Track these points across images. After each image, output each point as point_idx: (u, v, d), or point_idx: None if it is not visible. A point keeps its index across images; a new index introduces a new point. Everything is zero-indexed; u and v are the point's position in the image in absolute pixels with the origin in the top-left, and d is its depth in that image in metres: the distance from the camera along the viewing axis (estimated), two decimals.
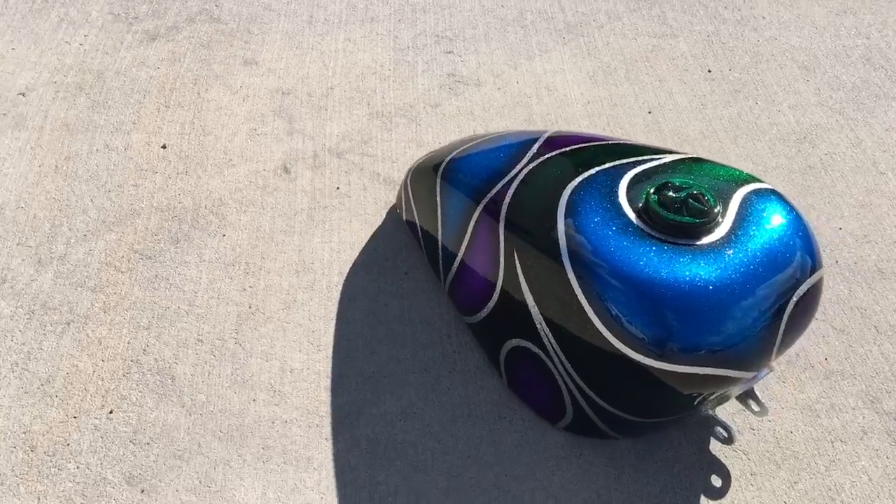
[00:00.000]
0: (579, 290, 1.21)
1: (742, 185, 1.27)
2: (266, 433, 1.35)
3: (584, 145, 1.44)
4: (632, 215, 1.22)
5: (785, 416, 1.41)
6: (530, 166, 1.39)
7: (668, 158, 1.34)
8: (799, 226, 1.23)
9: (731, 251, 1.18)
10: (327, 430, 1.36)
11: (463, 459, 1.32)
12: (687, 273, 1.16)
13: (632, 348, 1.16)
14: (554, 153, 1.41)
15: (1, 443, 1.33)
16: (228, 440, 1.34)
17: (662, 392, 1.21)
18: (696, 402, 1.25)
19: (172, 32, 2.15)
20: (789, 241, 1.21)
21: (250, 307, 1.53)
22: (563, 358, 1.29)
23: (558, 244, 1.22)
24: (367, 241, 1.65)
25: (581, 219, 1.25)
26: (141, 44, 2.11)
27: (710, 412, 1.31)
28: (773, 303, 1.17)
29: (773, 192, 1.27)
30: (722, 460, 1.34)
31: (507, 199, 1.35)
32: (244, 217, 1.68)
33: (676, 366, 1.16)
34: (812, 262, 1.23)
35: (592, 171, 1.31)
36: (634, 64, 2.11)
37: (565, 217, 1.25)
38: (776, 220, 1.24)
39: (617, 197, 1.26)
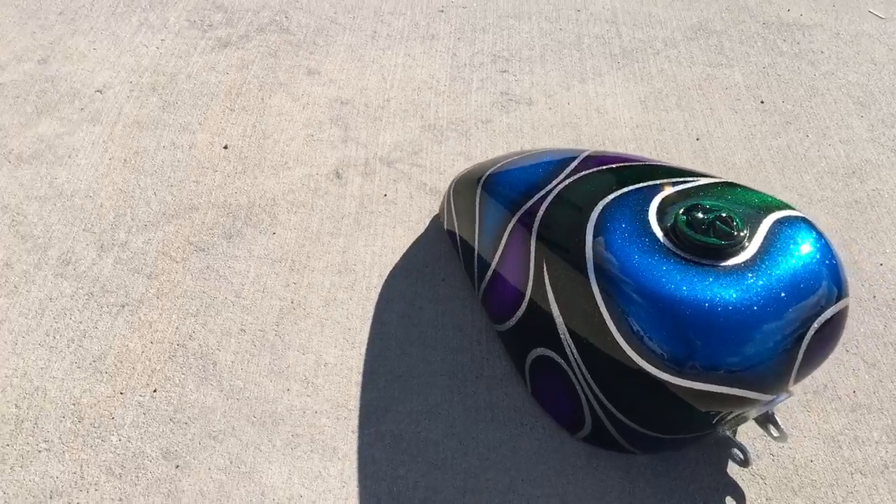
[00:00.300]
0: (602, 304, 1.24)
1: (773, 211, 1.29)
2: (296, 421, 1.42)
3: (620, 165, 1.47)
4: (660, 234, 1.25)
5: (806, 444, 1.41)
6: (566, 182, 1.43)
7: (702, 182, 1.36)
8: (826, 254, 1.25)
9: (755, 274, 1.20)
10: (354, 423, 1.41)
11: (482, 461, 1.37)
12: (709, 293, 1.19)
13: (650, 363, 1.19)
14: (590, 171, 1.46)
15: (52, 411, 1.42)
16: (261, 425, 1.41)
17: (679, 409, 1.23)
18: (713, 422, 1.27)
19: (243, 41, 2.26)
20: (815, 269, 1.23)
21: (292, 302, 1.60)
22: (584, 369, 1.33)
23: (585, 258, 1.26)
24: (408, 247, 1.71)
25: (609, 235, 1.28)
26: (213, 50, 2.22)
27: (728, 433, 1.33)
28: (794, 328, 1.19)
29: (803, 219, 1.29)
30: (738, 483, 1.36)
31: (541, 213, 1.40)
32: (294, 217, 1.77)
33: (693, 383, 1.18)
34: (837, 290, 1.24)
35: (625, 190, 1.35)
36: (686, 91, 2.13)
37: (594, 232, 1.29)
38: (803, 247, 1.25)
39: (647, 216, 1.29)
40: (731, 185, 1.37)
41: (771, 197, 1.34)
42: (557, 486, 1.34)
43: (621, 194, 1.35)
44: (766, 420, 1.35)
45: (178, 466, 1.35)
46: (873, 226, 1.78)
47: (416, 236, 1.73)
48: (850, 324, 1.58)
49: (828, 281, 1.23)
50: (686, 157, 1.93)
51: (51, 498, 1.31)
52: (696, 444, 1.40)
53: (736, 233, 1.22)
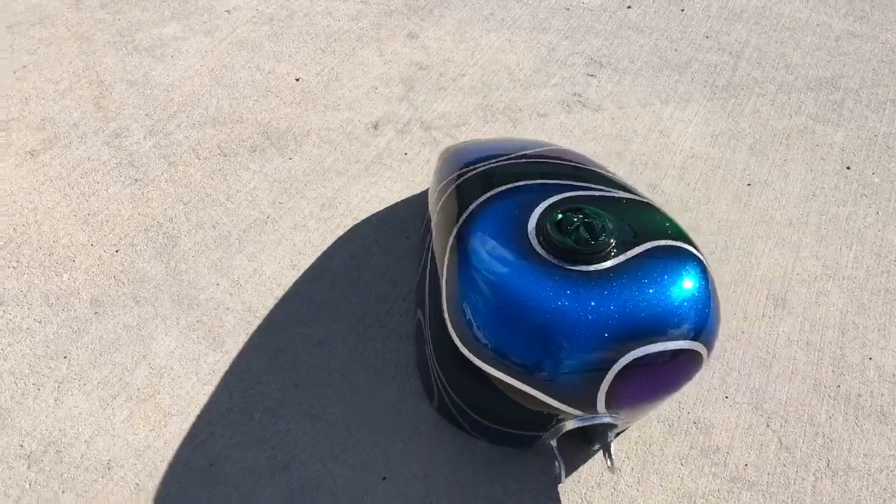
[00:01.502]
0: (445, 273, 1.25)
1: (664, 238, 1.22)
2: (207, 311, 1.56)
3: (563, 162, 1.45)
4: (531, 227, 1.23)
5: (658, 493, 1.31)
6: (498, 163, 1.44)
7: (621, 195, 1.31)
8: (694, 293, 1.16)
9: (597, 285, 1.15)
10: (251, 329, 1.53)
11: (337, 395, 1.42)
12: (540, 289, 1.16)
13: (459, 338, 1.19)
14: (531, 160, 1.44)
15: (35, 241, 1.68)
16: (178, 304, 1.57)
17: (495, 398, 1.21)
18: (537, 424, 1.24)
19: None
20: (667, 300, 1.15)
21: (268, 218, 1.74)
22: (430, 338, 1.34)
23: (456, 227, 1.28)
24: (396, 202, 1.78)
25: (486, 215, 1.28)
26: None
27: (552, 443, 1.27)
28: (608, 350, 1.13)
29: (692, 256, 1.20)
30: (563, 497, 1.30)
31: (454, 185, 1.42)
32: (315, 151, 1.90)
33: (490, 368, 1.16)
34: (682, 330, 1.15)
35: (537, 182, 1.33)
36: (770, 138, 1.98)
37: (477, 208, 1.30)
38: (667, 276, 1.18)
39: (535, 208, 1.27)
40: (647, 206, 1.30)
41: (678, 229, 1.26)
42: (391, 440, 1.36)
43: (530, 184, 1.33)
44: (605, 448, 1.28)
45: (96, 313, 1.55)
46: (886, 320, 1.57)
47: (410, 195, 1.79)
48: (791, 400, 1.43)
49: (677, 318, 1.15)
50: (723, 198, 1.81)
51: (3, 304, 1.56)
52: (538, 450, 1.35)
53: (595, 241, 1.18)
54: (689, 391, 1.44)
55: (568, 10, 2.40)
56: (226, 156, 1.88)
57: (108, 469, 1.31)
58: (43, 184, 1.79)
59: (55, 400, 1.40)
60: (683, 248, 1.23)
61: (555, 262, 1.18)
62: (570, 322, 1.13)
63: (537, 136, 1.96)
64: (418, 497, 1.28)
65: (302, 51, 2.20)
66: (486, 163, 1.44)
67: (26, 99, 2.02)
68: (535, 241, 1.20)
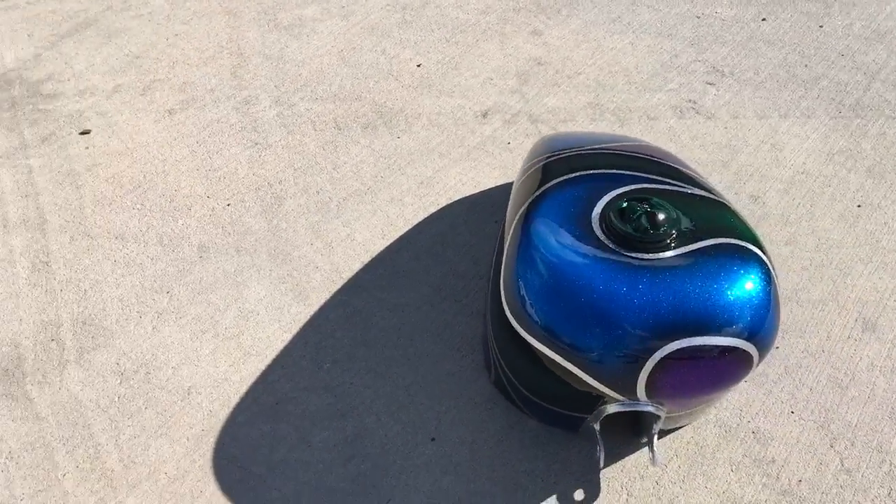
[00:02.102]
0: (506, 251, 1.31)
1: (731, 236, 1.23)
2: (298, 267, 1.67)
3: (642, 155, 1.46)
4: (596, 213, 1.27)
5: (700, 494, 1.31)
6: (578, 152, 1.47)
7: (695, 191, 1.32)
8: (752, 297, 1.16)
9: (652, 274, 1.17)
10: (335, 288, 1.63)
11: (403, 357, 1.50)
12: (592, 272, 1.20)
13: (512, 314, 1.24)
14: (612, 151, 1.47)
15: (160, 188, 1.85)
16: (273, 258, 1.70)
17: (544, 374, 1.25)
18: (581, 405, 1.26)
19: None
20: (720, 297, 1.15)
21: (368, 189, 1.85)
22: (488, 312, 1.40)
23: (528, 206, 1.33)
24: (491, 187, 1.84)
25: (554, 197, 1.33)
26: None
27: (595, 427, 1.29)
28: (650, 338, 1.15)
29: (758, 259, 1.20)
30: (603, 486, 1.32)
31: (535, 167, 1.46)
32: (423, 132, 1.99)
33: (538, 343, 1.21)
34: (733, 328, 1.15)
35: (611, 171, 1.36)
36: (892, 162, 1.90)
37: (548, 190, 1.34)
38: (726, 273, 1.18)
39: (602, 195, 1.30)
40: (720, 205, 1.31)
41: (748, 230, 1.26)
42: (446, 406, 1.42)
43: (605, 173, 1.37)
44: (649, 440, 1.29)
45: (200, 257, 1.70)
46: None
47: (506, 182, 1.85)
48: (861, 424, 1.39)
49: (729, 315, 1.15)
50: (828, 216, 1.76)
51: (119, 238, 1.73)
52: (586, 436, 1.37)
53: (655, 230, 1.20)
54: (754, 400, 1.42)
55: (699, 18, 2.38)
56: (340, 129, 2.00)
57: (188, 394, 1.44)
58: (175, 139, 1.97)
59: (153, 328, 1.55)
60: (748, 249, 1.22)
61: (613, 247, 1.20)
62: (617, 305, 1.15)
63: (644, 138, 1.96)
64: (462, 461, 1.34)
65: (427, 39, 2.30)
66: (571, 150, 1.48)
67: (173, 63, 2.22)
68: (597, 226, 1.23)
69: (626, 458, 1.35)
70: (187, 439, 1.38)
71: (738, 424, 1.40)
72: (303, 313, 1.58)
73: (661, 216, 1.22)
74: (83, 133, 1.99)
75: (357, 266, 1.66)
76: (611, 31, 2.33)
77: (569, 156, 1.45)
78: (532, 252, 1.24)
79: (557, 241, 1.23)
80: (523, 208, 1.33)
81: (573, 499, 1.31)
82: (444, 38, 2.31)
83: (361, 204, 1.80)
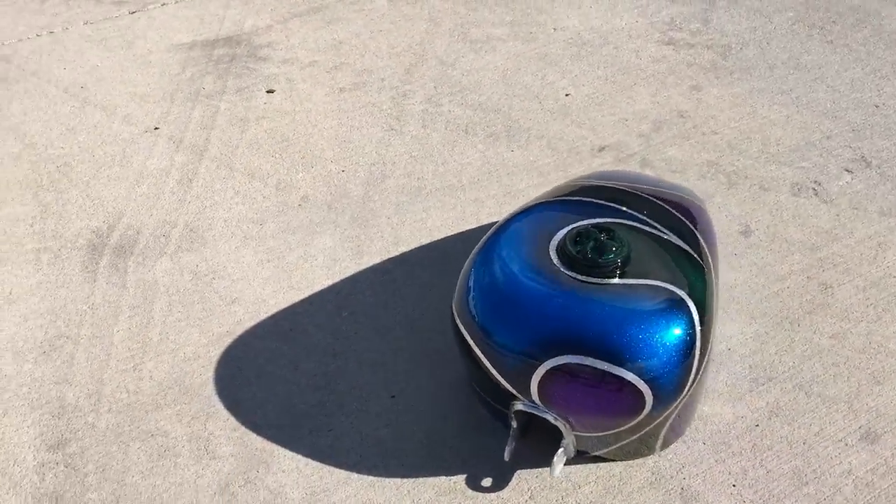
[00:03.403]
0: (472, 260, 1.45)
1: (677, 287, 1.28)
2: (367, 233, 1.92)
3: (654, 199, 1.52)
4: (559, 235, 1.38)
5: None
6: (597, 183, 1.58)
7: (671, 238, 1.37)
8: (663, 342, 1.22)
9: (577, 289, 1.27)
10: (390, 255, 1.86)
11: (411, 327, 1.69)
12: (524, 271, 1.33)
13: (455, 299, 1.40)
14: (626, 189, 1.55)
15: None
16: (353, 221, 1.96)
17: (471, 361, 1.39)
18: (501, 400, 1.37)
19: (691, 47, 2.57)
20: (630, 330, 1.22)
21: (461, 187, 2.05)
22: None
23: (506, 220, 1.48)
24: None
25: (529, 215, 1.46)
26: (663, 43, 2.60)
27: (512, 423, 1.39)
28: (547, 343, 1.25)
29: (688, 313, 1.25)
30: (514, 481, 1.42)
31: (556, 186, 1.59)
32: (536, 152, 2.15)
33: (462, 325, 1.36)
34: (631, 363, 1.21)
35: (598, 202, 1.46)
36: None
37: (527, 209, 1.48)
38: (647, 313, 1.24)
39: (574, 222, 1.40)
40: (688, 258, 1.35)
41: (700, 290, 1.30)
42: (417, 374, 1.58)
43: (595, 203, 1.47)
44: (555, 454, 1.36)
45: (299, 205, 2.01)
46: None
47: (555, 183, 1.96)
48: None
49: (633, 349, 1.22)
50: (894, 327, 1.67)
51: (249, 175, 2.10)
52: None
53: (599, 257, 1.28)
54: (703, 461, 1.42)
55: (876, 107, 2.28)
56: (466, 133, 2.22)
57: (232, 303, 1.75)
58: (332, 112, 2.32)
59: (235, 248, 1.89)
60: (684, 302, 1.26)
61: (557, 263, 1.31)
62: (532, 305, 1.26)
63: (742, 208, 1.96)
64: (404, 423, 1.50)
65: (588, 74, 2.44)
66: (598, 181, 1.58)
67: (364, 53, 2.58)
68: (554, 244, 1.34)
69: (546, 468, 1.41)
70: (212, 334, 1.68)
71: (672, 476, 1.41)
72: (350, 269, 1.82)
73: (611, 247, 1.29)
74: (269, 91, 2.40)
75: (414, 245, 1.87)
76: (773, 102, 2.31)
77: (586, 185, 1.55)
78: (489, 251, 1.37)
79: (514, 248, 1.36)
80: (509, 214, 1.46)
81: (479, 483, 1.41)
82: (604, 77, 2.43)
83: (447, 197, 2.00)
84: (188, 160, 2.14)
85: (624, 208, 1.42)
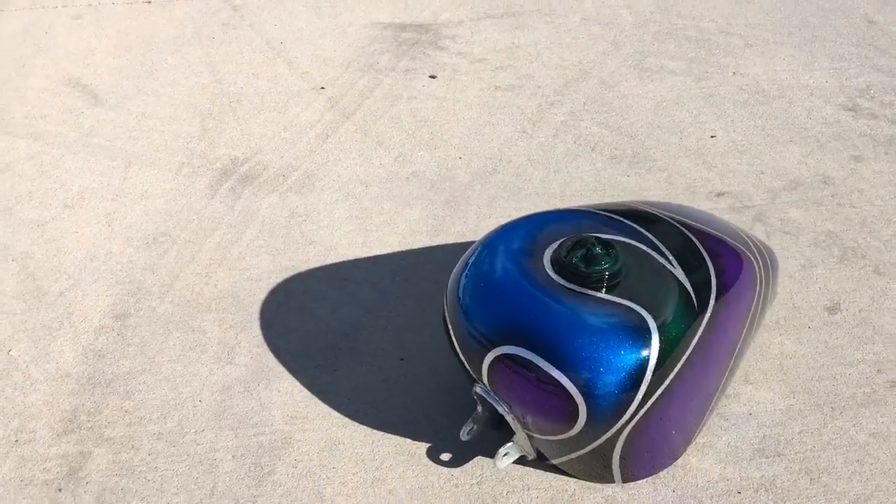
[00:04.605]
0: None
1: (648, 312, 1.26)
2: (453, 216, 2.02)
3: (676, 224, 1.49)
4: (557, 242, 1.38)
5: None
6: (634, 208, 1.57)
7: (665, 265, 1.35)
8: (612, 359, 1.21)
9: (556, 291, 1.29)
10: (459, 241, 1.95)
11: None
12: (513, 265, 1.37)
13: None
14: (654, 214, 1.53)
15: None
16: (447, 202, 2.07)
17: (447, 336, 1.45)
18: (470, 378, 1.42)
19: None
20: (583, 340, 1.23)
21: (546, 194, 2.10)
22: None
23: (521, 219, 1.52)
24: None
25: (543, 218, 1.49)
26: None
27: (477, 407, 1.43)
28: (505, 329, 1.29)
29: (647, 339, 1.23)
30: (468, 463, 1.47)
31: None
32: (649, 182, 2.12)
33: (447, 301, 1.42)
34: (571, 368, 1.22)
35: (614, 218, 1.46)
36: None
37: (544, 213, 1.51)
38: (607, 329, 1.24)
39: (580, 231, 1.42)
40: (673, 286, 1.33)
41: (674, 319, 1.27)
42: (436, 347, 1.67)
43: (612, 218, 1.47)
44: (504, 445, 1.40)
45: (407, 179, 2.16)
46: None
47: None
48: None
49: (579, 357, 1.22)
50: None
51: (378, 144, 2.28)
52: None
53: (584, 267, 1.30)
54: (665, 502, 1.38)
55: None
56: (592, 150, 2.25)
57: (309, 244, 1.93)
58: (474, 106, 2.44)
59: (334, 201, 2.07)
60: (647, 327, 1.25)
61: (545, 263, 1.34)
62: (502, 292, 1.31)
63: (842, 286, 1.83)
64: (402, 384, 1.59)
65: (746, 122, 2.36)
66: (642, 205, 1.57)
67: (534, 60, 2.67)
68: (552, 247, 1.37)
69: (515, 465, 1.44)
70: (280, 265, 1.87)
71: (625, 500, 1.39)
72: (422, 243, 1.93)
73: (601, 260, 1.30)
74: (431, 77, 2.57)
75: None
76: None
77: (628, 206, 1.55)
78: (497, 237, 1.43)
79: (518, 240, 1.40)
80: (536, 213, 1.50)
81: (438, 455, 1.47)
82: (761, 127, 2.34)
83: (542, 202, 2.05)
84: (334, 119, 2.36)
85: (644, 231, 1.41)
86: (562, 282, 1.29)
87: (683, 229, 1.46)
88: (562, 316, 1.24)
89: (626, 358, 1.20)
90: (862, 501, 1.39)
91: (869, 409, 1.54)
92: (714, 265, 1.39)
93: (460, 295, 1.34)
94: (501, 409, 1.31)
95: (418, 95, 2.47)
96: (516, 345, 1.24)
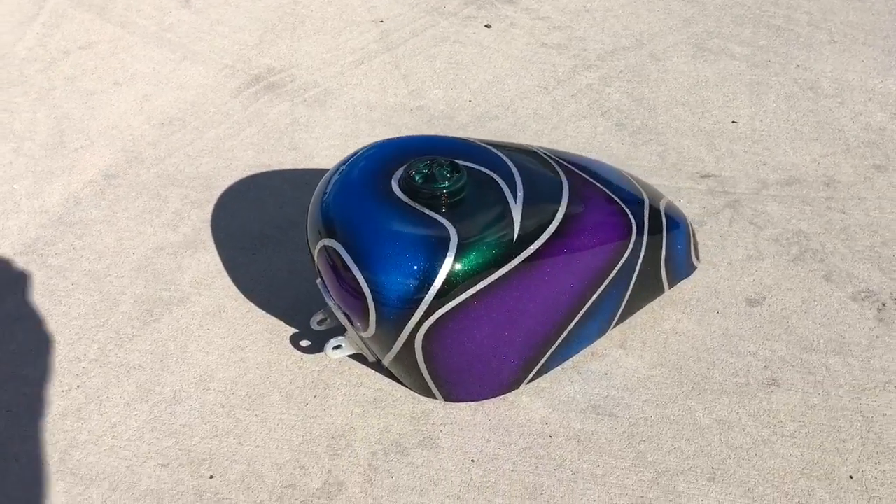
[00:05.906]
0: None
1: (459, 236, 1.33)
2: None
3: (560, 161, 1.52)
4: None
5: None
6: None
7: (514, 200, 1.39)
8: (407, 261, 1.30)
9: (387, 201, 1.37)
10: None
11: None
12: (357, 172, 1.47)
13: None
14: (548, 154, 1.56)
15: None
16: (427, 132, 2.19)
17: None
18: None
19: None
20: (389, 243, 1.32)
21: None
22: None
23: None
24: None
25: (414, 140, 1.57)
26: None
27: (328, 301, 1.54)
28: (332, 221, 1.40)
29: (443, 254, 1.30)
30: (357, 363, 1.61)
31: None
32: (654, 164, 2.13)
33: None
34: (367, 265, 1.32)
35: (484, 146, 1.51)
36: None
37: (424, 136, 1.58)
38: (408, 236, 1.32)
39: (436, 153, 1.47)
40: (498, 211, 1.38)
41: (478, 249, 1.33)
42: None
43: (482, 147, 1.52)
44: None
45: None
46: None
47: None
48: None
49: (369, 242, 1.33)
50: None
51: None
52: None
53: (423, 183, 1.37)
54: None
55: None
56: (601, 116, 2.25)
57: (293, 150, 2.11)
58: (516, 57, 2.49)
59: (335, 117, 2.23)
60: (448, 243, 1.31)
61: (394, 178, 1.42)
62: (340, 193, 1.42)
63: (782, 285, 1.76)
64: None
65: (780, 115, 2.25)
66: (546, 149, 1.61)
67: (594, 24, 2.66)
68: (403, 167, 1.44)
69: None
70: (254, 157, 2.07)
71: (427, 421, 1.47)
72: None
73: (440, 180, 1.38)
74: (486, 26, 2.65)
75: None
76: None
77: (529, 146, 1.59)
78: (371, 147, 1.52)
79: (384, 154, 1.48)
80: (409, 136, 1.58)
81: (299, 342, 1.61)
82: (792, 122, 2.24)
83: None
84: (376, 50, 2.51)
85: (512, 166, 1.44)
86: (399, 195, 1.37)
87: (561, 174, 1.48)
88: (375, 220, 1.33)
89: (415, 264, 1.27)
90: (668, 476, 1.38)
91: (731, 398, 1.51)
92: (567, 211, 1.41)
93: (318, 191, 1.46)
94: (329, 301, 1.42)
95: (465, 41, 2.56)
96: (334, 238, 1.35)
